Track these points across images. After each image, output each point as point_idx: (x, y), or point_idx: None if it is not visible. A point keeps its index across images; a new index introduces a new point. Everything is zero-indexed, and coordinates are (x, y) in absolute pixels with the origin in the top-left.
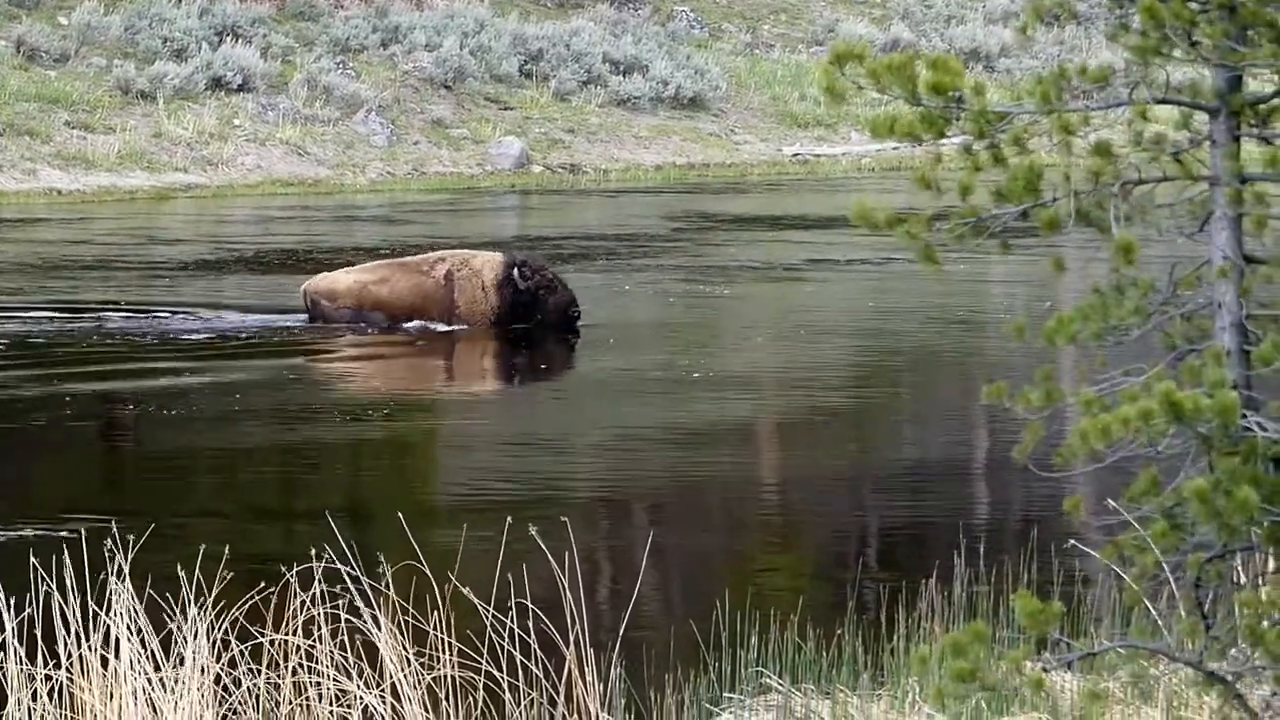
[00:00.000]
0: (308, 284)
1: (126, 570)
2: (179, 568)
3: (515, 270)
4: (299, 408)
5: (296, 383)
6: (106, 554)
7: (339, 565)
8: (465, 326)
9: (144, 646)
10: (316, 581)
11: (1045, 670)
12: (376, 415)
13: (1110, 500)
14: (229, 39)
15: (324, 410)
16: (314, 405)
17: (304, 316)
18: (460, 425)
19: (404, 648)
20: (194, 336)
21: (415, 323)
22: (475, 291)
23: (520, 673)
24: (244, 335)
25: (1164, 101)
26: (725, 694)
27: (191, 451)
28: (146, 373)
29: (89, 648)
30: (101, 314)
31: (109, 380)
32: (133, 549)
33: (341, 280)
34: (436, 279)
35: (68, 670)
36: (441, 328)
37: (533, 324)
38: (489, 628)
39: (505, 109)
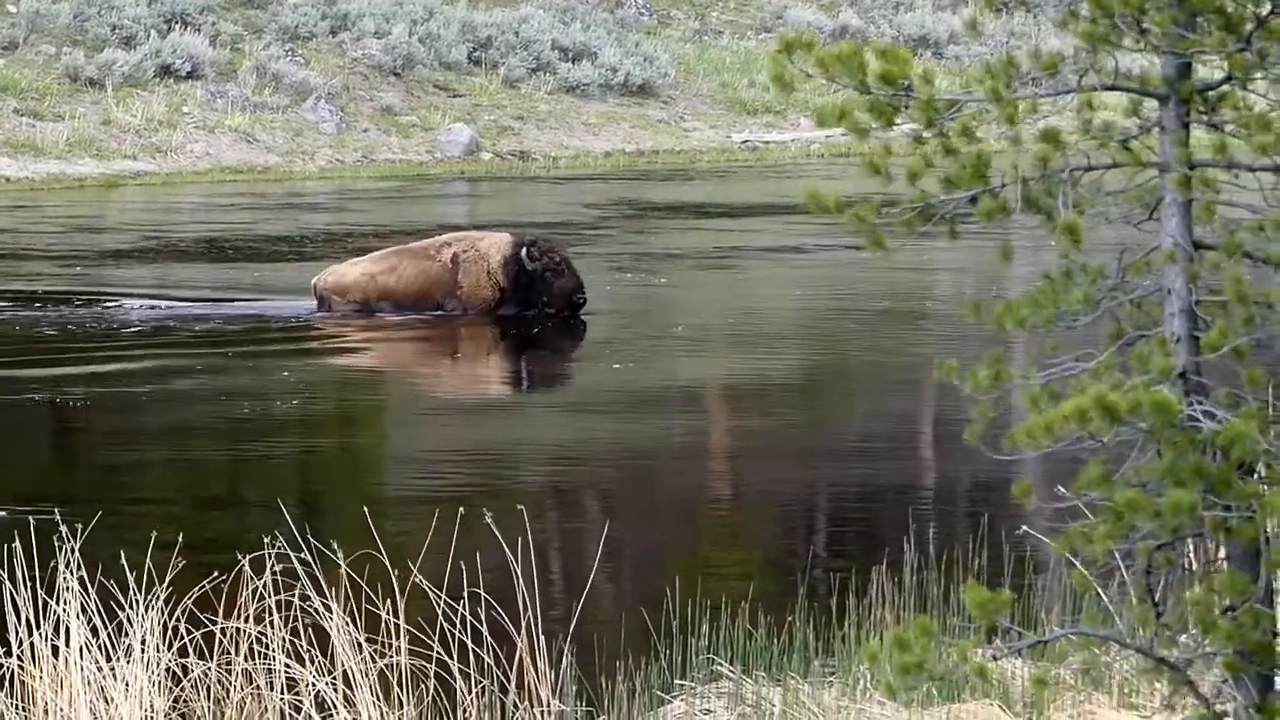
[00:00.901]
0: (316, 279)
1: (76, 558)
2: (125, 555)
3: (524, 250)
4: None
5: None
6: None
7: (291, 553)
8: (464, 311)
9: (95, 635)
10: (268, 569)
11: (995, 658)
12: (335, 405)
13: (1060, 487)
14: (178, 26)
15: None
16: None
17: (312, 305)
18: (415, 415)
19: (356, 635)
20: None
21: (417, 309)
22: (480, 275)
23: (472, 660)
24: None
25: (1113, 88)
26: (677, 681)
27: (155, 438)
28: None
29: (39, 636)
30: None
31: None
32: (79, 536)
33: (349, 274)
34: (443, 263)
35: (18, 658)
36: (445, 312)
37: (537, 308)
38: (441, 615)
39: (454, 96)
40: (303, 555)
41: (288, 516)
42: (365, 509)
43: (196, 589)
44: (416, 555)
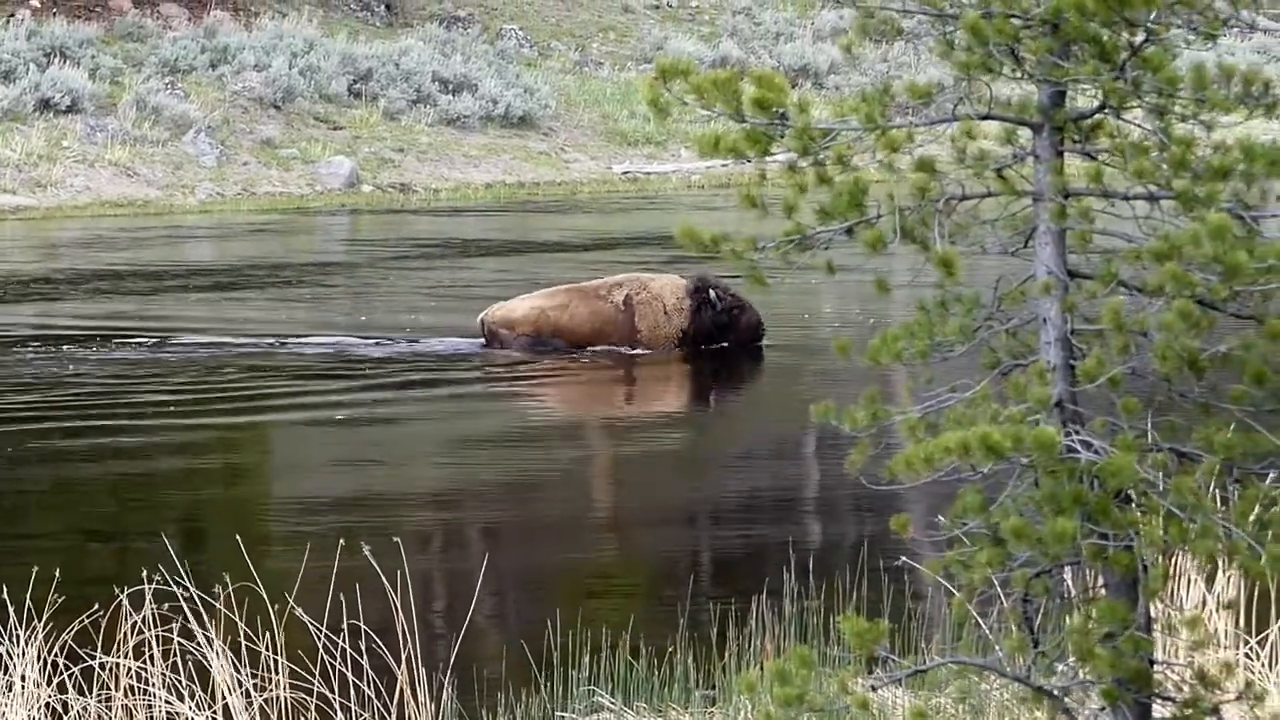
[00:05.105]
0: (484, 314)
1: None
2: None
3: (712, 292)
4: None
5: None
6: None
7: (173, 587)
8: (648, 350)
9: None
10: (148, 603)
11: (875, 688)
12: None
13: (940, 516)
14: (57, 60)
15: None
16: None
17: (479, 341)
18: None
19: (236, 669)
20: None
21: (599, 347)
22: (657, 315)
23: (352, 693)
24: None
25: (988, 118)
26: (558, 713)
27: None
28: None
29: None
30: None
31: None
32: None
33: (518, 309)
34: (615, 304)
35: None
36: (625, 351)
37: (721, 344)
38: (321, 648)
39: (335, 129)
40: (183, 589)
41: (171, 550)
42: (248, 542)
43: (76, 623)
44: (297, 588)
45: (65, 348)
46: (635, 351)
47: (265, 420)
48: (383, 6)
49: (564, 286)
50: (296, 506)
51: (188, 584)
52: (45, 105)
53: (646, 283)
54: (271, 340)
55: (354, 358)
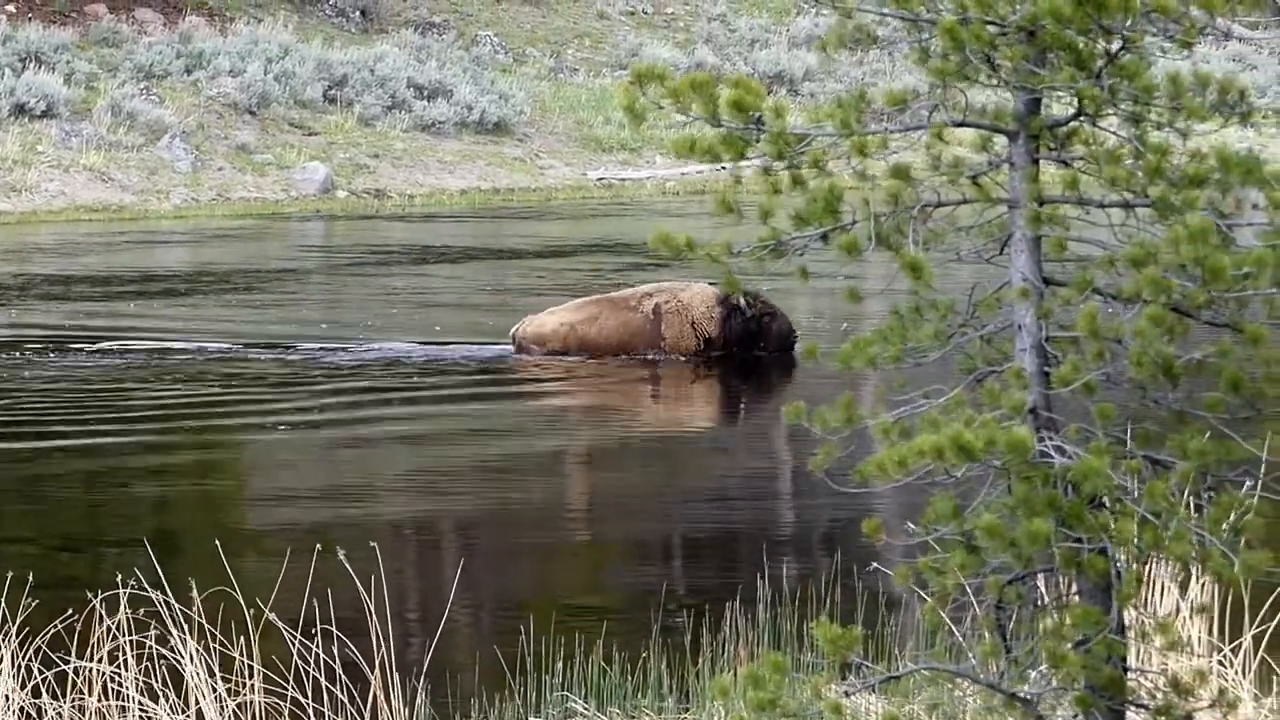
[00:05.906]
0: (515, 329)
1: None
2: None
3: (742, 298)
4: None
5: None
6: None
7: (149, 592)
8: (677, 357)
9: None
10: (123, 608)
11: (848, 694)
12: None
13: (910, 524)
14: (32, 65)
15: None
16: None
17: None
18: (276, 452)
19: (210, 673)
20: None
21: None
22: (683, 326)
23: (326, 698)
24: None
25: (963, 124)
26: (531, 718)
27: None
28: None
29: None
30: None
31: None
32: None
33: (548, 323)
34: (645, 314)
35: None
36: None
37: (752, 352)
38: (295, 653)
39: (310, 134)
40: (158, 593)
41: (149, 555)
42: (224, 547)
43: (50, 628)
44: (272, 592)
45: (16, 354)
46: (664, 359)
47: (239, 426)
48: (358, 12)
49: (594, 298)
50: (272, 514)
51: (162, 589)
52: (20, 110)
53: (676, 292)
54: (233, 345)
55: (319, 365)
